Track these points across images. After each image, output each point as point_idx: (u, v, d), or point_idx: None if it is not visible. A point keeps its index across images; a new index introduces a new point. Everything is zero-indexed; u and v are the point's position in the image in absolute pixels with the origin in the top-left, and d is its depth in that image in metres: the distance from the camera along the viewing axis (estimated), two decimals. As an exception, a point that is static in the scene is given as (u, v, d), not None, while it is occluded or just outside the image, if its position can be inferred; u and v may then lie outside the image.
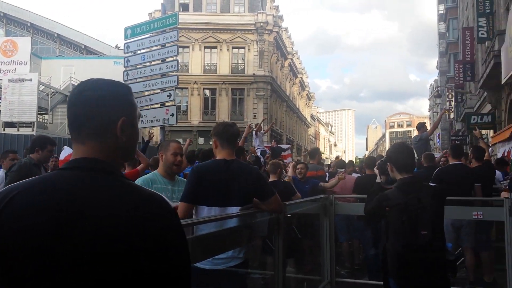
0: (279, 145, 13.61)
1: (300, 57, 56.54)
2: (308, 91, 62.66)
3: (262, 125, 13.01)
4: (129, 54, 9.00)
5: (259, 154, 12.41)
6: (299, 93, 55.32)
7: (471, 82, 22.97)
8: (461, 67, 22.80)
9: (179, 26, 34.19)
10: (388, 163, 2.82)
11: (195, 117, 33.39)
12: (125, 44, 9.08)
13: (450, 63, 30.58)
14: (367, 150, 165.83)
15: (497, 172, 8.15)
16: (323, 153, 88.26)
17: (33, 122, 21.54)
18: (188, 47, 33.79)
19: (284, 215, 3.02)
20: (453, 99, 29.85)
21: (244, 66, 34.26)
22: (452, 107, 30.40)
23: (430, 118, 63.31)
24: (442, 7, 39.24)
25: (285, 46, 41.75)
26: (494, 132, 15.89)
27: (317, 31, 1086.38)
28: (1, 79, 22.17)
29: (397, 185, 2.73)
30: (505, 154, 11.06)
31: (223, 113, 33.46)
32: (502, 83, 6.69)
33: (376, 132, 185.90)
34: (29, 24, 36.85)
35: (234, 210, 2.70)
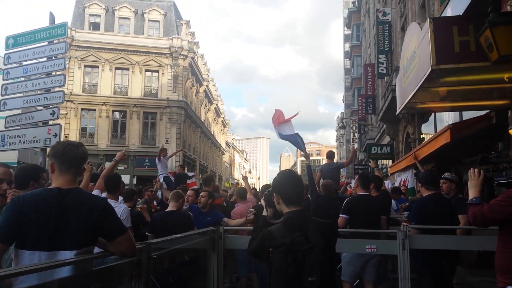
0: (184, 172, 13.12)
1: (216, 84, 56.90)
2: (223, 118, 62.98)
3: (166, 149, 12.46)
4: (10, 66, 8.03)
5: (161, 180, 11.80)
6: (214, 120, 55.31)
7: (373, 115, 24.54)
8: (364, 100, 24.31)
9: (88, 45, 32.38)
10: (274, 194, 2.54)
11: (102, 140, 31.57)
12: (5, 54, 8.10)
13: (354, 97, 32.61)
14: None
15: (392, 201, 8.49)
16: (237, 180, 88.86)
17: None
18: (97, 67, 32.24)
19: (148, 257, 2.54)
20: (356, 130, 31.75)
21: (158, 89, 33.40)
22: (356, 138, 32.29)
23: (337, 148, 66.81)
24: (348, 45, 42.17)
25: (200, 72, 41.68)
26: (392, 162, 16.90)
27: (234, 61, 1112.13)
28: None
29: (283, 220, 2.40)
30: (401, 183, 11.70)
31: (133, 137, 32.10)
32: (397, 113, 7.02)
33: (288, 160, 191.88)
34: None
35: (68, 255, 2.16)
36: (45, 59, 7.91)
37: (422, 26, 4.57)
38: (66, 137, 31.00)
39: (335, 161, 9.52)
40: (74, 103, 31.30)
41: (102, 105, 31.81)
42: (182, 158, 33.79)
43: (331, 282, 2.36)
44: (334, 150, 73.40)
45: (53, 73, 7.67)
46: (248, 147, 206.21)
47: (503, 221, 2.62)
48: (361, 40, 32.60)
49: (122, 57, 32.43)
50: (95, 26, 33.39)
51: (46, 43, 7.93)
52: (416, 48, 4.82)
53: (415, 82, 4.87)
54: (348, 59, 42.72)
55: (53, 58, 7.80)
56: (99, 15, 33.71)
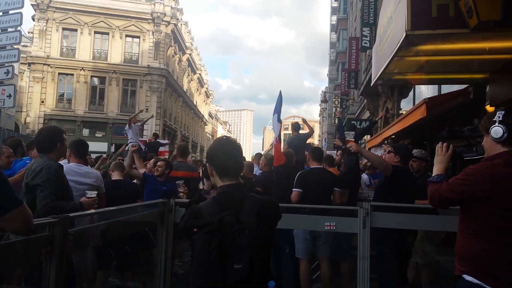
0: (157, 140, 12.73)
1: (200, 53, 55.74)
2: (207, 88, 62.06)
3: (137, 116, 12.02)
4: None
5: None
6: (197, 90, 54.43)
7: (355, 90, 24.30)
8: (347, 75, 23.98)
9: (67, 7, 30.95)
10: (207, 165, 2.22)
11: (80, 107, 30.72)
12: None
13: (339, 71, 32.25)
14: (263, 150, 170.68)
15: (365, 176, 8.25)
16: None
17: None
18: (76, 30, 31.08)
19: (63, 232, 2.20)
20: (339, 105, 31.54)
21: (138, 56, 32.44)
22: (339, 112, 32.13)
23: (320, 122, 66.81)
24: (334, 18, 41.44)
25: (183, 40, 40.61)
26: (371, 137, 16.78)
27: (219, 31, 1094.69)
28: None
29: (214, 196, 2.08)
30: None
31: (112, 104, 31.33)
32: (372, 84, 6.73)
33: (272, 133, 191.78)
34: None
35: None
36: (0, 13, 7.35)
37: (401, -12, 4.21)
38: (42, 101, 30.09)
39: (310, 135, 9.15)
40: (51, 67, 30.26)
41: (81, 70, 30.83)
42: (161, 127, 33.24)
43: (263, 271, 1.99)
44: (317, 125, 73.39)
45: (9, 29, 7.12)
46: (232, 119, 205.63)
47: (461, 202, 2.32)
48: (348, 13, 31.98)
49: (102, 21, 31.27)
50: (74, -13, 31.94)
51: (2, -3, 7.34)
52: (393, 13, 4.48)
53: (390, 50, 4.54)
54: (334, 33, 42.07)
55: (9, 12, 7.24)
56: (79, -24, 32.20)
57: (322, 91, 56.53)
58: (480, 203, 2.23)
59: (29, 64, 29.92)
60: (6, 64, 6.97)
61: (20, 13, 7.24)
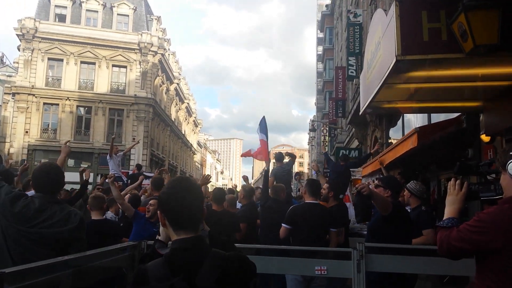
0: (142, 172, 12.26)
1: (188, 83, 55.84)
2: (195, 117, 61.89)
3: (117, 146, 11.60)
4: None
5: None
6: (186, 119, 54.19)
7: (343, 118, 24.23)
8: (334, 104, 23.97)
9: (53, 37, 31.07)
10: (158, 212, 1.78)
11: (65, 136, 29.97)
12: None
13: (326, 100, 32.38)
14: (252, 178, 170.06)
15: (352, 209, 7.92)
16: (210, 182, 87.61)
17: None
18: (62, 60, 30.84)
19: None
20: (327, 133, 31.47)
21: (125, 86, 32.21)
22: (327, 142, 32.02)
23: (309, 150, 66.82)
24: (320, 48, 41.97)
25: (171, 70, 40.62)
26: (360, 167, 16.51)
27: (208, 62, 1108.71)
28: None
29: (165, 255, 1.65)
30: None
31: (98, 134, 30.80)
32: (360, 113, 6.48)
33: (262, 162, 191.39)
34: None
35: None
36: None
37: (388, 13, 3.99)
38: (26, 132, 29.48)
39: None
40: (36, 97, 29.82)
41: (66, 99, 30.42)
42: (149, 156, 32.73)
43: None
44: (306, 154, 73.15)
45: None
46: (221, 148, 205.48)
47: (474, 253, 1.95)
48: (334, 43, 32.36)
49: (88, 51, 31.13)
50: (61, 18, 31.95)
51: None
52: (381, 38, 4.23)
53: (378, 77, 4.28)
54: (320, 62, 42.54)
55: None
56: (65, 7, 32.23)
57: (310, 119, 56.75)
58: (495, 256, 1.86)
59: (14, 94, 29.46)
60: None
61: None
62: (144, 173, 12.61)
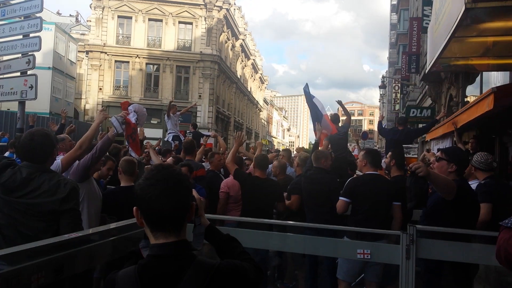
0: (199, 131, 12.30)
1: (254, 38, 55.07)
2: (261, 74, 61.37)
3: (175, 105, 11.62)
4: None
5: (170, 139, 11.05)
6: (252, 76, 53.93)
7: (416, 75, 22.56)
8: (407, 58, 22.26)
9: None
10: (134, 209, 1.44)
11: (136, 93, 31.29)
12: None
13: (399, 55, 30.25)
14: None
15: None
16: (275, 138, 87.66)
17: None
18: (130, 18, 31.54)
19: None
20: (398, 90, 29.64)
21: (191, 43, 32.39)
22: (398, 99, 30.24)
23: (380, 108, 64.07)
24: (395, -3, 38.92)
25: (236, 25, 40.08)
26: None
27: (275, 15, 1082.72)
28: None
29: (140, 263, 1.37)
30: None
31: (166, 91, 31.57)
32: (427, 70, 5.70)
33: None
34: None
35: None
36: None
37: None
38: (100, 89, 30.97)
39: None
40: (108, 55, 31.00)
41: (136, 57, 31.33)
42: (214, 114, 33.16)
43: None
44: (377, 111, 70.47)
45: (31, 15, 6.81)
46: (288, 105, 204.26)
47: None
48: (410, -9, 29.74)
49: (155, 8, 31.48)
50: (129, -25, 32.31)
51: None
52: (451, -18, 3.52)
53: (447, 30, 3.60)
54: (395, 13, 39.57)
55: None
56: (133, -36, 32.53)
57: (383, 75, 53.92)
58: None
59: (87, 52, 30.84)
60: (28, 53, 6.68)
61: (41, -1, 6.90)
62: (201, 132, 12.65)
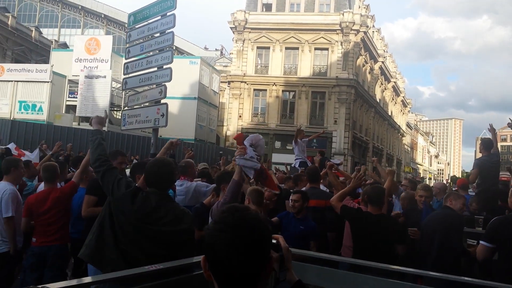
0: (326, 157, 11.71)
1: (395, 60, 52.54)
2: (403, 97, 58.02)
3: (303, 130, 11.28)
4: (130, 44, 8.01)
5: (297, 165, 10.73)
6: (392, 99, 51.32)
7: None
8: None
9: (260, 27, 33.61)
10: None
11: (272, 120, 32.24)
12: (127, 32, 8.11)
13: None
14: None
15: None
16: (421, 165, 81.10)
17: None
18: (268, 48, 32.91)
19: None
20: None
21: (327, 68, 32.26)
22: None
23: (550, 132, 54.75)
24: None
25: (375, 47, 38.73)
26: None
27: (418, 35, 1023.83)
28: (78, 75, 23.18)
29: None
30: None
31: (301, 117, 31.80)
32: None
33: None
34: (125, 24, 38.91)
35: None
36: (158, 34, 7.61)
37: None
38: (240, 116, 32.69)
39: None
40: (247, 84, 32.69)
41: (273, 85, 32.39)
42: (351, 139, 32.17)
43: None
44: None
45: (164, 49, 7.30)
46: (436, 129, 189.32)
47: None
48: None
49: (292, 37, 32.30)
50: (267, 7, 33.91)
51: (159, 17, 7.58)
52: None
53: None
54: None
55: (165, 32, 7.42)
56: (272, -4, 34.11)
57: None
58: None
59: (229, 82, 33.03)
60: (162, 84, 7.12)
61: (172, 32, 7.35)
62: (330, 159, 12.08)
